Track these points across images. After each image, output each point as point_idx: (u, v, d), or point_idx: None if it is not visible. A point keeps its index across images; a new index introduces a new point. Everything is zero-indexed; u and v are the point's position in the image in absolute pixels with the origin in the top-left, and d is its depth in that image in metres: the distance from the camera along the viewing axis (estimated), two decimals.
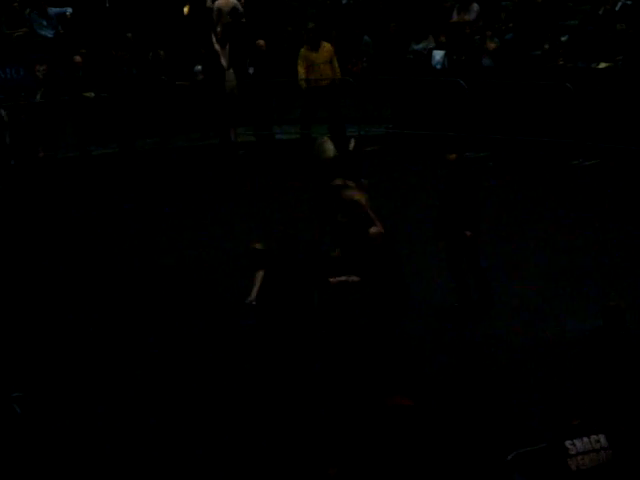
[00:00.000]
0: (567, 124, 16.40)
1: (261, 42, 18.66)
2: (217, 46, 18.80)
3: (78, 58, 18.46)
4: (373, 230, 10.64)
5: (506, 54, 17.76)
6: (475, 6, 18.69)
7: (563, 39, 17.69)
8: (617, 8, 17.77)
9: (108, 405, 10.36)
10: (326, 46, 17.81)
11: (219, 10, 19.65)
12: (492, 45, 17.85)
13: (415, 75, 17.90)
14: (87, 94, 18.03)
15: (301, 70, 17.75)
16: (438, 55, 18.32)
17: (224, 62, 18.78)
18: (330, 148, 13.19)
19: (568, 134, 16.39)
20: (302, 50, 17.89)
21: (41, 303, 12.68)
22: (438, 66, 18.22)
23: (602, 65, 16.96)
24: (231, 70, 18.86)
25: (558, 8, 18.47)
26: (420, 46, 18.76)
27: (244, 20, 19.95)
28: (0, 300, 12.76)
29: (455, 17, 18.75)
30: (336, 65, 17.85)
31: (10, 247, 14.50)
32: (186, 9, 21.12)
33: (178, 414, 10.15)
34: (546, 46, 17.44)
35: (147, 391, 10.64)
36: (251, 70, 18.81)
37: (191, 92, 18.84)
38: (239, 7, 19.89)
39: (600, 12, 17.72)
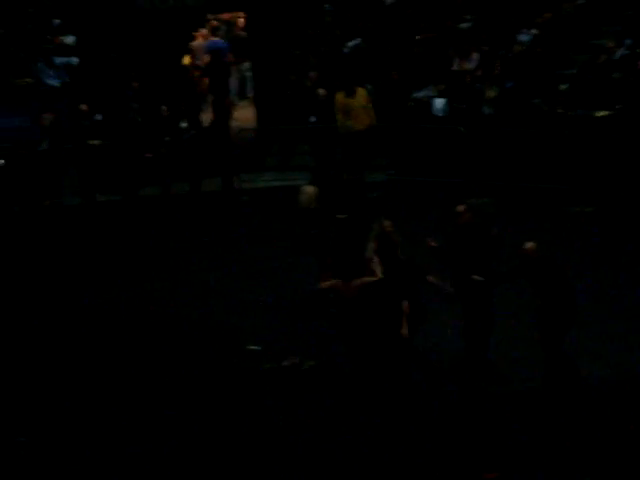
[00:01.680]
0: (566, 171, 16.56)
1: (322, 91, 18.76)
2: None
3: (84, 107, 18.68)
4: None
5: (506, 102, 17.96)
6: (475, 55, 18.95)
7: (562, 88, 17.89)
8: (616, 57, 17.98)
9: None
10: (361, 91, 17.98)
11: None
12: (492, 93, 18.07)
13: (416, 122, 18.07)
14: (92, 142, 18.22)
15: (340, 116, 17.90)
16: (439, 103, 18.55)
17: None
18: (309, 197, 13.50)
19: (567, 181, 16.54)
20: (338, 97, 18.03)
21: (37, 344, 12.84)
22: (439, 114, 18.43)
23: (601, 113, 17.12)
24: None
25: (557, 57, 18.68)
26: (421, 94, 19.00)
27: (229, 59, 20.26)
28: None
29: (456, 66, 18.99)
30: (371, 110, 17.98)
31: (12, 288, 14.67)
32: (187, 59, 21.40)
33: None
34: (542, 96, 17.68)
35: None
36: (313, 119, 18.83)
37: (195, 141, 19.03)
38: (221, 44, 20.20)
39: (599, 61, 17.93)
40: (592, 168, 16.53)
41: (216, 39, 21.80)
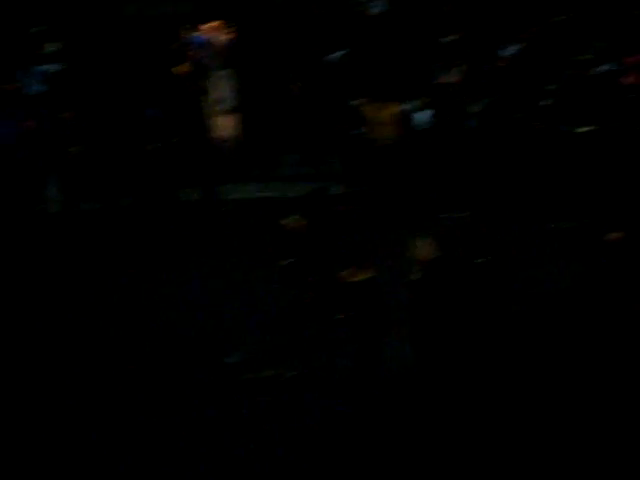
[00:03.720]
0: (548, 186, 16.62)
1: (357, 102, 18.44)
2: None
3: (68, 114, 18.62)
4: None
5: (490, 116, 18.02)
6: (459, 68, 18.98)
7: (545, 103, 17.95)
8: (599, 72, 18.06)
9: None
10: (390, 104, 17.89)
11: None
12: (475, 108, 18.12)
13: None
14: (73, 149, 18.17)
15: (370, 128, 17.80)
16: (424, 116, 18.50)
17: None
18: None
19: (547, 196, 16.61)
20: (367, 108, 18.00)
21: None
22: (420, 127, 18.39)
23: (583, 129, 17.20)
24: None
25: (541, 72, 18.74)
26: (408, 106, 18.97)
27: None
28: None
29: (438, 79, 19.01)
30: (400, 125, 17.88)
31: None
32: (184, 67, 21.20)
33: None
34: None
35: None
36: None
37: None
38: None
39: (582, 77, 17.99)
40: (574, 184, 16.61)
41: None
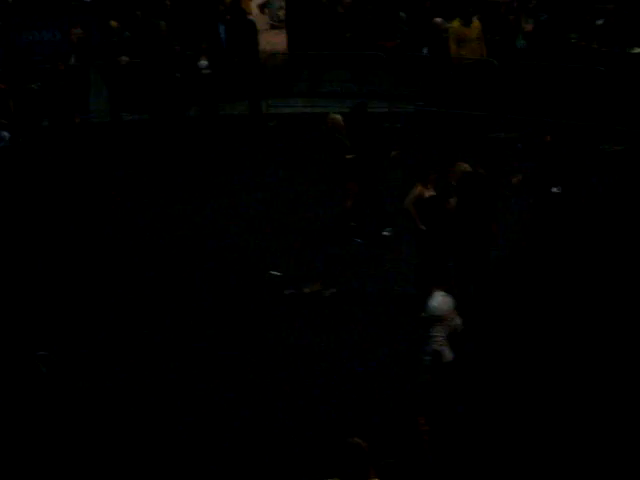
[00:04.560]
0: (599, 108, 16.34)
1: (438, 20, 18.01)
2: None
3: (114, 23, 18.52)
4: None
5: (540, 36, 17.68)
6: None
7: (598, 23, 17.59)
8: None
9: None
10: (476, 23, 17.39)
11: None
12: (527, 26, 17.79)
13: (448, 53, 17.78)
14: (121, 59, 18.07)
15: (453, 46, 17.33)
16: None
17: None
18: (339, 119, 13.47)
19: (599, 118, 16.34)
20: (454, 25, 17.48)
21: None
22: None
23: (636, 50, 16.86)
24: None
25: None
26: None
27: None
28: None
29: None
30: (483, 43, 17.38)
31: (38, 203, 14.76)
32: None
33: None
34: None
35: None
36: (425, 51, 18.17)
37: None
38: None
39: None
40: (624, 106, 16.32)
41: None
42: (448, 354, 9.36)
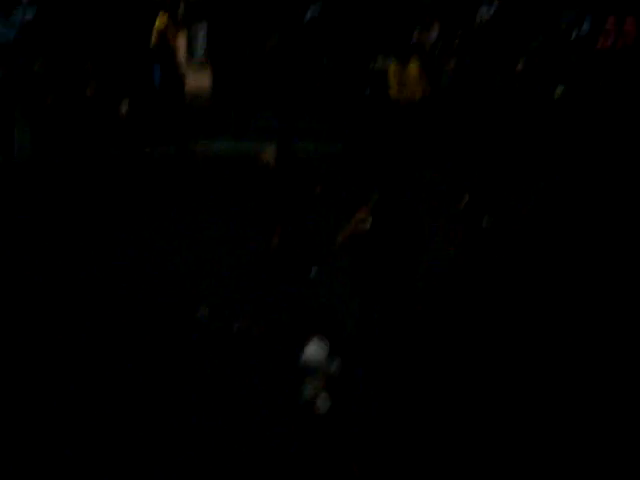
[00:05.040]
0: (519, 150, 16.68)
1: (380, 60, 18.33)
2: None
3: (40, 64, 18.36)
4: None
5: (464, 75, 17.99)
6: (436, 27, 18.94)
7: (520, 64, 17.93)
8: (574, 36, 18.06)
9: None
10: (415, 63, 17.60)
11: None
12: (451, 65, 18.08)
13: (375, 93, 17.95)
14: (46, 99, 17.93)
15: (393, 87, 17.53)
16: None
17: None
18: (268, 157, 13.54)
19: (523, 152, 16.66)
20: (393, 66, 17.69)
21: None
22: None
23: (558, 92, 17.21)
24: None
25: (517, 34, 18.72)
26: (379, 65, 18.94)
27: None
28: None
29: (415, 37, 18.95)
30: (425, 81, 17.63)
31: None
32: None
33: None
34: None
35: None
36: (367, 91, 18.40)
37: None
38: None
39: (557, 40, 18.01)
40: (546, 145, 16.66)
41: None
42: (324, 404, 9.12)
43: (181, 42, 20.56)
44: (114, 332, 12.16)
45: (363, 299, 11.36)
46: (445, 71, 18.12)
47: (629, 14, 17.40)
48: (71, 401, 10.52)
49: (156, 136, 18.52)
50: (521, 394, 10.40)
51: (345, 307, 11.44)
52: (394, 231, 11.28)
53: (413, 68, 17.45)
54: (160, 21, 20.37)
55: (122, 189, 17.05)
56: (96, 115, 18.15)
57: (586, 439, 9.64)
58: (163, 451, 9.71)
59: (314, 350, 9.13)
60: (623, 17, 17.37)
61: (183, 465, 9.48)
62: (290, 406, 9.79)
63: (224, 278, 13.56)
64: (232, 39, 20.27)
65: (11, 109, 17.95)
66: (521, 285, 12.62)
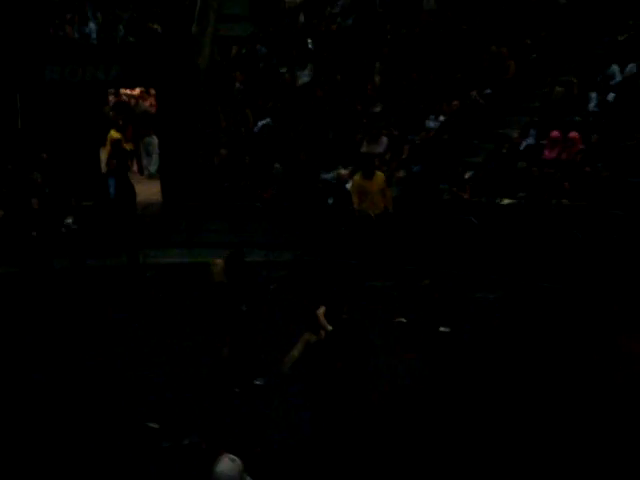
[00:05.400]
0: (471, 257, 16.74)
1: (342, 172, 18.49)
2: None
3: None
4: None
5: (413, 186, 18.19)
6: (384, 139, 19.22)
7: (467, 175, 18.17)
8: (521, 147, 18.36)
9: None
10: (379, 175, 17.58)
11: None
12: (399, 175, 18.30)
13: (324, 202, 18.13)
14: None
15: (355, 199, 17.52)
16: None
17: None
18: (220, 271, 13.46)
19: (472, 267, 16.71)
20: (356, 178, 17.66)
21: None
22: None
23: (506, 201, 17.40)
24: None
25: (463, 144, 19.03)
26: (329, 175, 19.13)
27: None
28: None
29: (364, 148, 19.21)
30: (388, 195, 17.54)
31: None
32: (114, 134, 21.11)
33: None
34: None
35: None
36: (330, 201, 18.51)
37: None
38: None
39: (504, 150, 18.30)
40: (496, 255, 16.76)
41: None
42: None
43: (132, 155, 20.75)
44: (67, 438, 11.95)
45: (315, 411, 11.23)
46: (393, 181, 18.31)
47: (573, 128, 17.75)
48: None
49: (108, 246, 18.50)
50: None
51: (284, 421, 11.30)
52: (339, 343, 11.23)
53: (376, 181, 17.61)
54: (113, 135, 20.56)
55: (66, 301, 16.92)
56: (42, 226, 18.11)
57: None
58: None
59: (227, 467, 8.78)
60: (568, 129, 17.70)
61: None
62: None
63: (174, 390, 13.35)
64: (182, 152, 20.44)
65: None
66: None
